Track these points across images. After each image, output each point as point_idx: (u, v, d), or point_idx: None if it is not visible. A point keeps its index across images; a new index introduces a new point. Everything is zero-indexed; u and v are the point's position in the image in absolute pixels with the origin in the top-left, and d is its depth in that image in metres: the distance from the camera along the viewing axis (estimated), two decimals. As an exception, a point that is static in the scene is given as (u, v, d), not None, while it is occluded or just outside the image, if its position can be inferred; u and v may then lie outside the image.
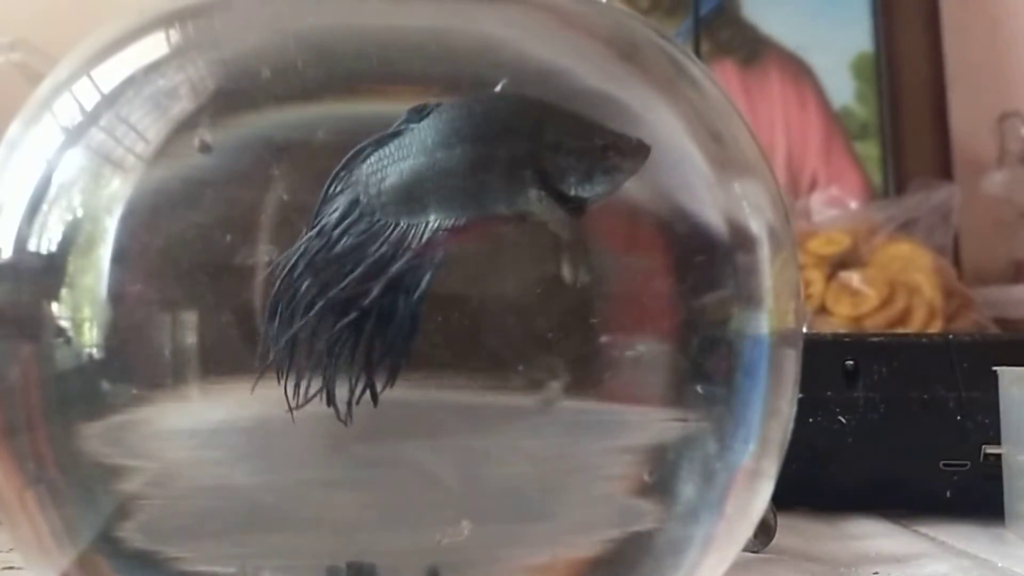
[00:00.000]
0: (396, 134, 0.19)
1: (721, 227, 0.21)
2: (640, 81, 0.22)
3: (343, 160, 0.19)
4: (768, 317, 0.21)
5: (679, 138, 0.21)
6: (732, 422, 0.21)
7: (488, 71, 0.20)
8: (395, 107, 0.19)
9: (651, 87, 0.22)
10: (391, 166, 0.19)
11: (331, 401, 0.19)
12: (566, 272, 0.20)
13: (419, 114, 0.19)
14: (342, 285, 0.19)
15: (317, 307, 0.19)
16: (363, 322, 0.19)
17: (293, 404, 0.19)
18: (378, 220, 0.19)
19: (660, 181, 0.21)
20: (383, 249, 0.19)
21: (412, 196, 0.19)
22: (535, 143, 0.19)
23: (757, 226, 0.21)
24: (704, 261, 0.21)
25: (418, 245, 0.19)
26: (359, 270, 0.19)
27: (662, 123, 0.21)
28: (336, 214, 0.19)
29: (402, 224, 0.19)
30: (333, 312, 0.19)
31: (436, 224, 0.19)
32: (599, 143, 0.19)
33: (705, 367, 0.21)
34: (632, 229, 0.21)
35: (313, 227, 0.19)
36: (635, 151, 0.19)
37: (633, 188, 0.20)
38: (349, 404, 0.19)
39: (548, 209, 0.19)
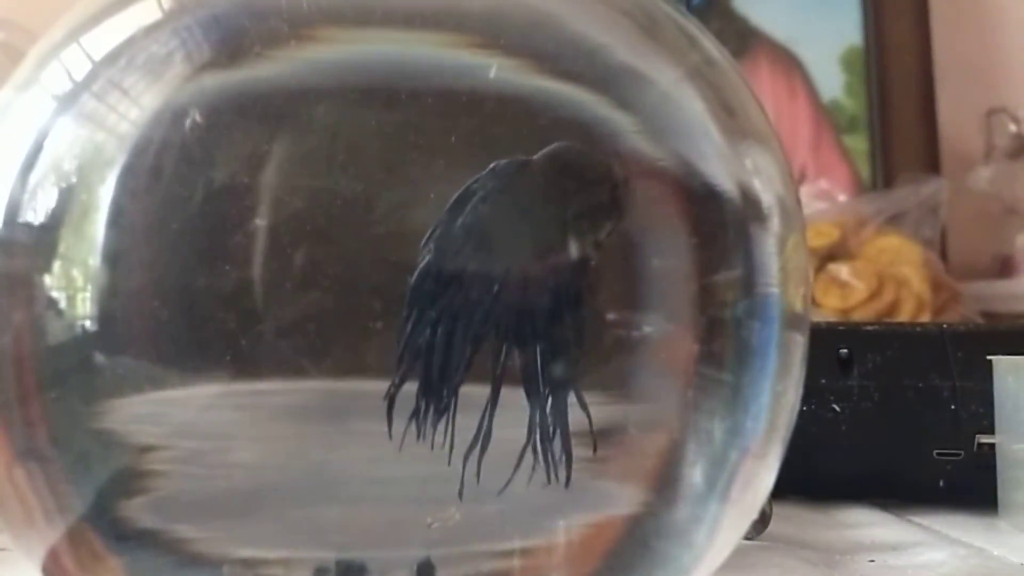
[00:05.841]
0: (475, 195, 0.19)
1: (736, 200, 0.20)
2: (661, 54, 0.21)
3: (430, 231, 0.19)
4: (780, 295, 0.21)
5: (698, 112, 0.21)
6: (741, 404, 0.21)
7: (515, 38, 0.20)
8: (406, 58, 0.19)
9: (672, 60, 0.21)
10: (493, 219, 0.19)
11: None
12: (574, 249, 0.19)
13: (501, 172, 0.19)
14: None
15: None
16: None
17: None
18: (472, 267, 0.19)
19: (681, 153, 0.20)
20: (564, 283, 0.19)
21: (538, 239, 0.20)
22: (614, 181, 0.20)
23: (769, 199, 0.21)
24: (720, 235, 0.20)
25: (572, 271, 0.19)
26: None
27: (684, 96, 0.21)
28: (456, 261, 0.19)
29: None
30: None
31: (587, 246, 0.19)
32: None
33: (714, 346, 0.20)
34: (654, 202, 0.20)
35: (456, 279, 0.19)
36: None
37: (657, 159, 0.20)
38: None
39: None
